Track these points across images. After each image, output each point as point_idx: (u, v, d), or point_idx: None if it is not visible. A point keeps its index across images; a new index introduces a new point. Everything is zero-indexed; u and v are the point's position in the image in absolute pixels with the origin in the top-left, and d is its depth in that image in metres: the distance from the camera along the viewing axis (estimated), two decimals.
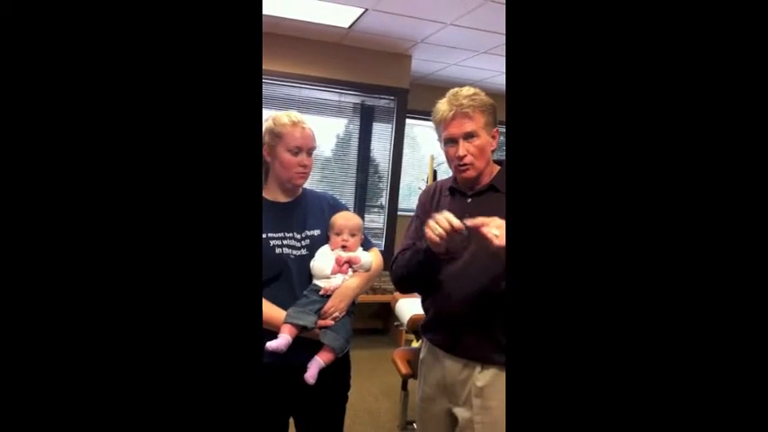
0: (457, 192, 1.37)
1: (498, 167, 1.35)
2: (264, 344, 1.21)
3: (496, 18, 2.88)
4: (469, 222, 1.10)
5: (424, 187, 2.04)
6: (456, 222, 1.12)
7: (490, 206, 1.24)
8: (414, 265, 1.32)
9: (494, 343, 1.23)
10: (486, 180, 1.32)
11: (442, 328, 1.36)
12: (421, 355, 1.48)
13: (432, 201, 1.43)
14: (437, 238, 1.13)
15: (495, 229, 1.08)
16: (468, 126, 1.25)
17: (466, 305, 1.27)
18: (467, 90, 1.29)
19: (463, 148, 1.26)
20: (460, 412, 1.32)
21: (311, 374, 1.25)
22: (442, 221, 1.13)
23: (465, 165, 1.28)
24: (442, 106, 1.29)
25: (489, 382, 1.26)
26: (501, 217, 1.10)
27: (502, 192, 1.27)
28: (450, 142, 1.29)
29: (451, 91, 1.30)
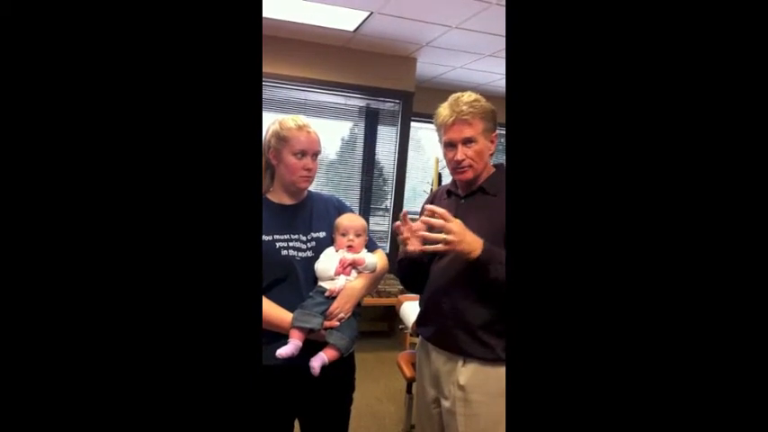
0: (453, 194, 1.45)
1: (493, 170, 1.40)
2: (264, 344, 1.22)
3: (501, 21, 2.88)
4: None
5: (428, 190, 2.09)
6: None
7: (479, 207, 1.35)
8: (409, 265, 1.43)
9: (473, 337, 1.29)
10: (481, 182, 1.38)
11: (428, 322, 1.42)
12: (417, 349, 1.55)
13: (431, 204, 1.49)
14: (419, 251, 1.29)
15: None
16: (468, 132, 1.30)
17: (446, 299, 1.34)
18: (468, 96, 1.33)
19: (461, 152, 1.32)
20: (445, 403, 1.37)
21: (314, 366, 1.25)
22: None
23: (463, 167, 1.33)
24: (444, 111, 1.34)
25: (470, 376, 1.30)
26: (488, 215, 1.29)
27: (491, 194, 1.35)
28: (449, 146, 1.35)
29: (453, 96, 1.34)
